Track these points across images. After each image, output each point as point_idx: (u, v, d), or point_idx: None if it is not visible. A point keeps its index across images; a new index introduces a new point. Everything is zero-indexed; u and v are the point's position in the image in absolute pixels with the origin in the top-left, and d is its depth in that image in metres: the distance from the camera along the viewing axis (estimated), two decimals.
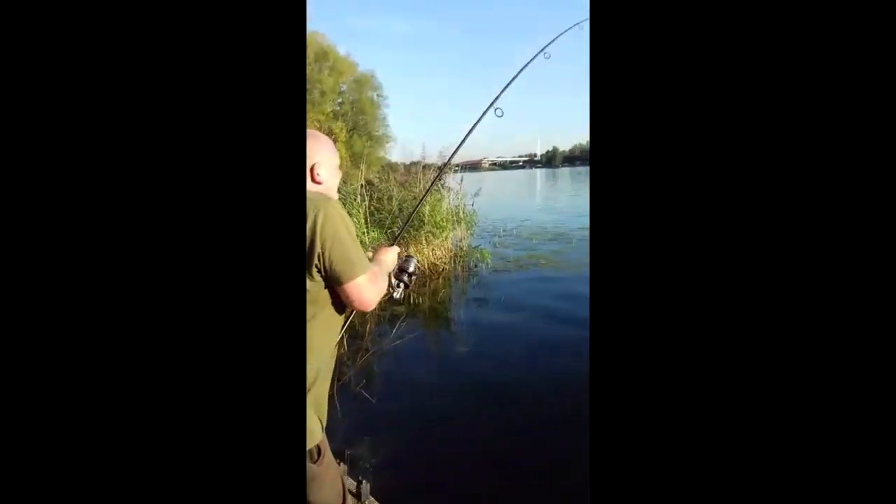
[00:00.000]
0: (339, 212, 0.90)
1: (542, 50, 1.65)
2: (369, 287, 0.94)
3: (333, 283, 0.90)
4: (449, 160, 2.11)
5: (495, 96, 1.57)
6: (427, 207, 5.69)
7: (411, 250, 5.65)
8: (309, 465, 0.93)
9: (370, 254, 1.16)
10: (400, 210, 5.88)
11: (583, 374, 2.85)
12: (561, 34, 1.76)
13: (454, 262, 5.85)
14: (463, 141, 1.66)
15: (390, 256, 1.17)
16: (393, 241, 1.28)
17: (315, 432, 0.93)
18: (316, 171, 0.99)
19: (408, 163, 6.74)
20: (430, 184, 5.23)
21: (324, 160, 0.99)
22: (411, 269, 1.23)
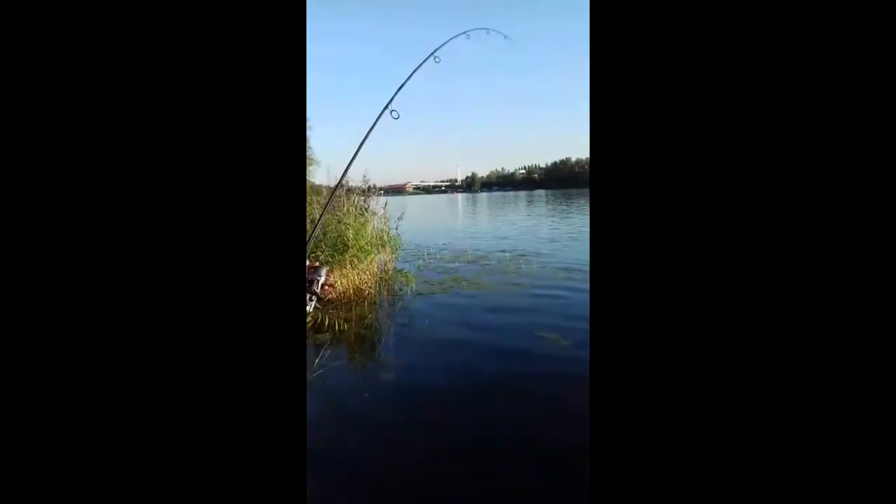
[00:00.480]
0: None
1: (431, 54, 1.80)
2: None
3: None
4: (345, 172, 1.92)
5: (390, 99, 1.66)
6: (351, 232, 5.64)
7: (336, 274, 5.53)
8: None
9: None
10: (324, 234, 5.75)
11: (511, 376, 2.98)
12: (449, 40, 1.95)
13: (379, 285, 5.82)
14: (359, 149, 1.67)
15: None
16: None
17: None
18: None
19: (332, 185, 6.65)
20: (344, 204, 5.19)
21: None
22: (322, 279, 1.27)
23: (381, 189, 7.11)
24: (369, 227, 5.98)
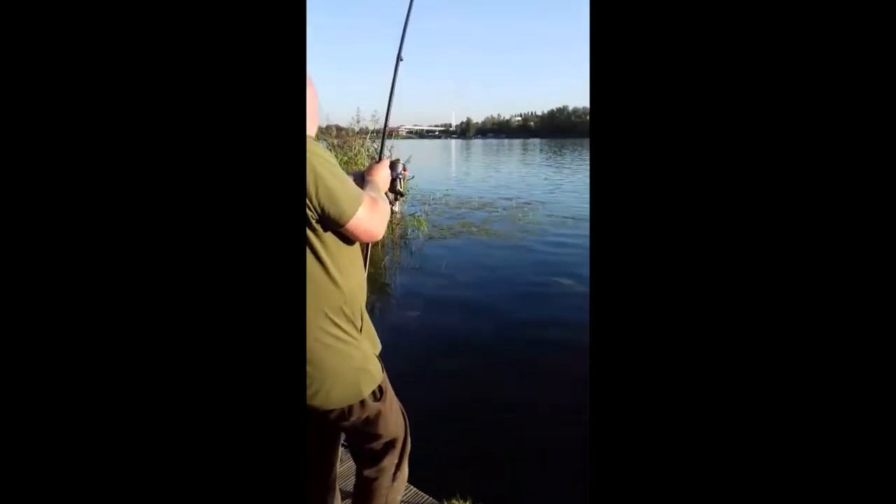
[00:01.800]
0: (317, 153, 0.83)
1: None
2: (370, 218, 0.89)
3: (334, 227, 0.86)
4: (386, 123, 1.50)
5: (399, 47, 1.33)
6: None
7: None
8: (374, 404, 0.97)
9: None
10: None
11: (534, 325, 3.14)
12: None
13: (391, 228, 5.86)
14: (390, 103, 1.36)
15: (382, 175, 1.09)
16: (378, 158, 1.17)
17: (376, 373, 0.97)
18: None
19: (325, 126, 6.44)
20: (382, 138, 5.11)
21: (309, 106, 0.90)
22: (398, 172, 1.16)
23: (374, 131, 6.90)
24: None
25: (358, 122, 6.67)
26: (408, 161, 1.34)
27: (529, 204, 8.31)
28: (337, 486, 1.21)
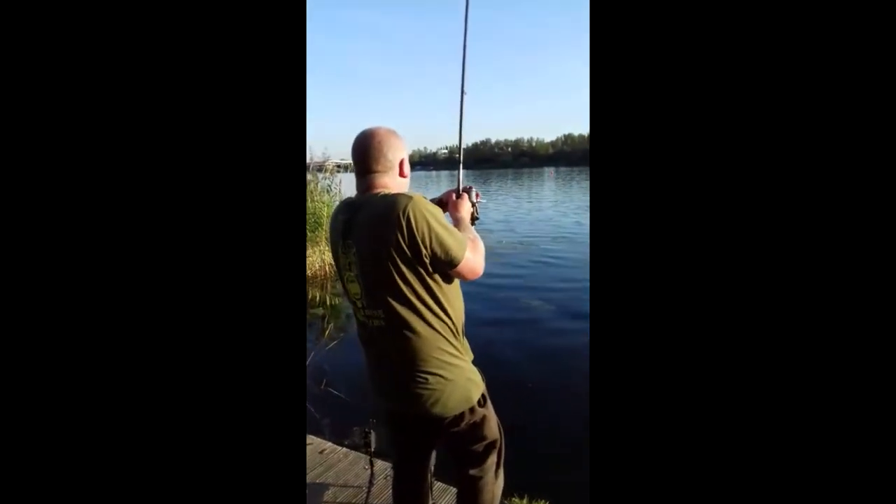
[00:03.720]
0: (426, 204, 0.95)
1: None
2: (474, 259, 1.01)
3: (444, 269, 1.01)
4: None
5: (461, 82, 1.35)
6: (325, 209, 5.60)
7: (311, 251, 5.48)
8: (480, 409, 1.10)
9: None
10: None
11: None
12: None
13: None
14: (460, 139, 1.39)
15: (466, 209, 1.22)
16: (457, 192, 1.29)
17: (480, 382, 1.11)
18: (405, 165, 1.06)
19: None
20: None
21: (406, 156, 1.07)
22: (473, 200, 1.27)
23: (309, 163, 6.93)
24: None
25: (311, 158, 6.69)
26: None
27: (491, 231, 8.66)
28: (430, 490, 1.30)
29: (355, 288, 1.03)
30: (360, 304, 1.05)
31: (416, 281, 0.96)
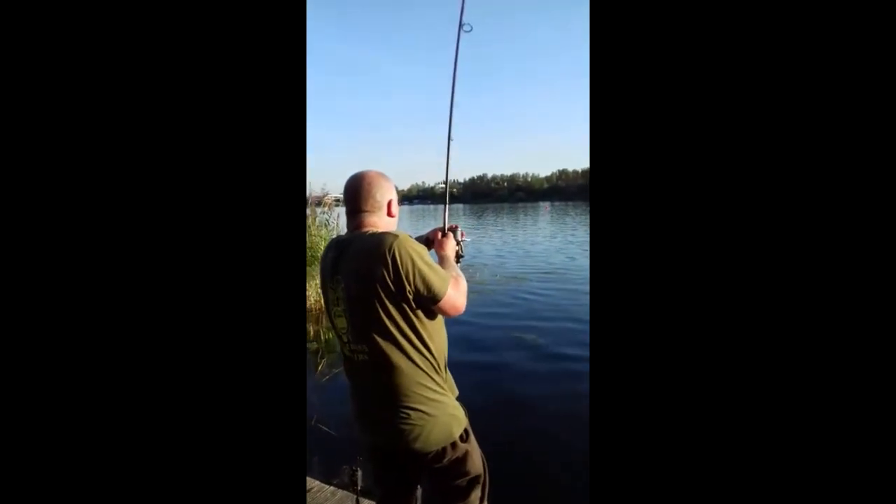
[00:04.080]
0: (411, 243, 1.00)
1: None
2: (456, 296, 1.05)
3: (427, 305, 1.05)
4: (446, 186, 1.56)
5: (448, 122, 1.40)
6: (322, 243, 5.67)
7: (308, 285, 5.50)
8: (462, 444, 1.11)
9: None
10: None
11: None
12: None
13: None
14: (447, 179, 1.45)
15: (451, 247, 1.28)
16: (443, 231, 1.35)
17: (462, 418, 1.12)
18: (393, 205, 1.13)
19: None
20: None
21: (394, 197, 1.14)
22: (458, 239, 1.33)
23: (316, 201, 7.08)
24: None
25: (310, 193, 6.83)
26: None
27: (472, 265, 8.71)
28: None
29: (342, 322, 1.07)
30: (346, 339, 1.08)
31: (400, 317, 1.00)
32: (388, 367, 1.02)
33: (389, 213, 1.12)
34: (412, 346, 1.03)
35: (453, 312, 1.07)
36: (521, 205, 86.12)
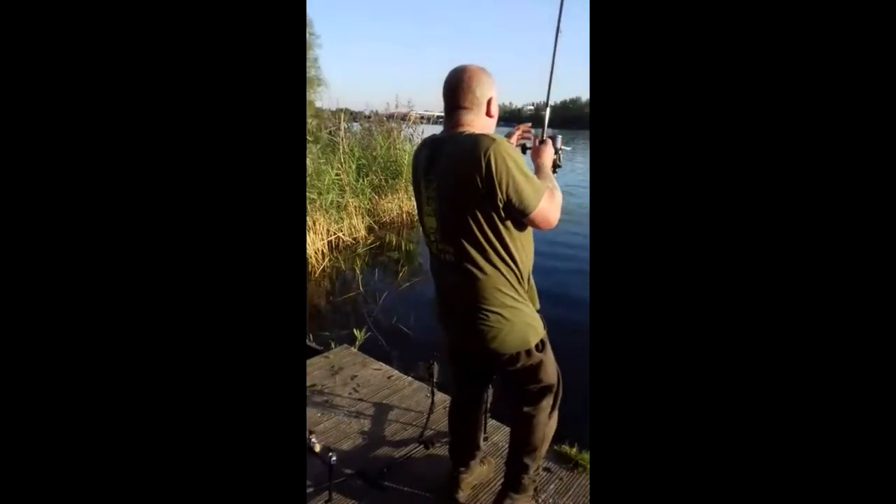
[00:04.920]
0: (507, 149, 0.94)
1: None
2: (549, 208, 1.01)
3: (518, 217, 1.01)
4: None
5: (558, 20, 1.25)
6: (407, 157, 5.73)
7: (391, 198, 5.70)
8: (537, 353, 1.13)
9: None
10: (373, 157, 5.83)
11: None
12: None
13: None
14: (550, 79, 1.31)
15: (548, 155, 1.19)
16: (541, 139, 1.24)
17: (540, 329, 1.13)
18: (493, 105, 1.05)
19: (334, 109, 6.51)
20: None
21: (495, 95, 1.04)
22: (557, 147, 1.23)
23: (385, 115, 6.98)
24: None
25: (396, 107, 6.82)
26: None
27: (572, 194, 8.36)
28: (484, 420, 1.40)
29: (431, 222, 1.08)
30: (433, 238, 1.10)
31: (486, 224, 0.98)
32: (471, 270, 1.02)
33: (489, 113, 1.06)
34: (496, 253, 1.01)
35: (545, 225, 1.03)
36: None
